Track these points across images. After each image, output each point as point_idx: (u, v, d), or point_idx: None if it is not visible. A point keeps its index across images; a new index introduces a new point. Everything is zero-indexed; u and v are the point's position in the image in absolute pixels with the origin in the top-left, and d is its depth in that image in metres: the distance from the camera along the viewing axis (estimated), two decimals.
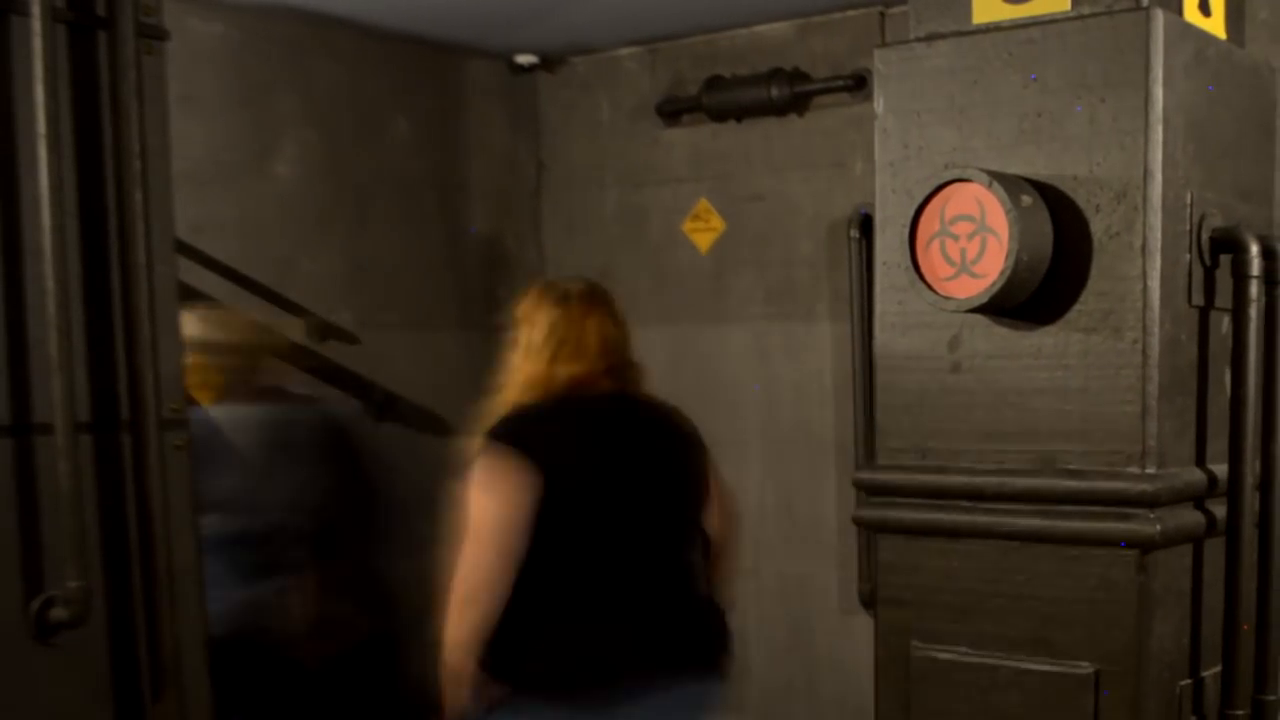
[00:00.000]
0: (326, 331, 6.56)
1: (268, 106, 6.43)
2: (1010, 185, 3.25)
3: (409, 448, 6.90)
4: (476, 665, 4.08)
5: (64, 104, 3.04)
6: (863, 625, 4.57)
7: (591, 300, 4.36)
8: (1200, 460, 3.51)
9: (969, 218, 3.30)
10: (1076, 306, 3.36)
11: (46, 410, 2.96)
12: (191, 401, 4.27)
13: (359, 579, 5.44)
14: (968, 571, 3.56)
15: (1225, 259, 3.44)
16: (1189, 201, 3.37)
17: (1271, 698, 3.57)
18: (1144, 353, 3.29)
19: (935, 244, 3.37)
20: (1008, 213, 3.22)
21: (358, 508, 5.39)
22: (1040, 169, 3.38)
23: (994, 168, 3.35)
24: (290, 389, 5.53)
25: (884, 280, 3.65)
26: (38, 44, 2.93)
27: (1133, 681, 3.34)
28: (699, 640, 4.47)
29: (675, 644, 4.35)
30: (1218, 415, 3.52)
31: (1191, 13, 3.49)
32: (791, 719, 7.01)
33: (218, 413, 4.98)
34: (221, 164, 6.19)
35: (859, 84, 6.49)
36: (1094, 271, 3.33)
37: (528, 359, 4.29)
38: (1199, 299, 3.43)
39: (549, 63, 7.51)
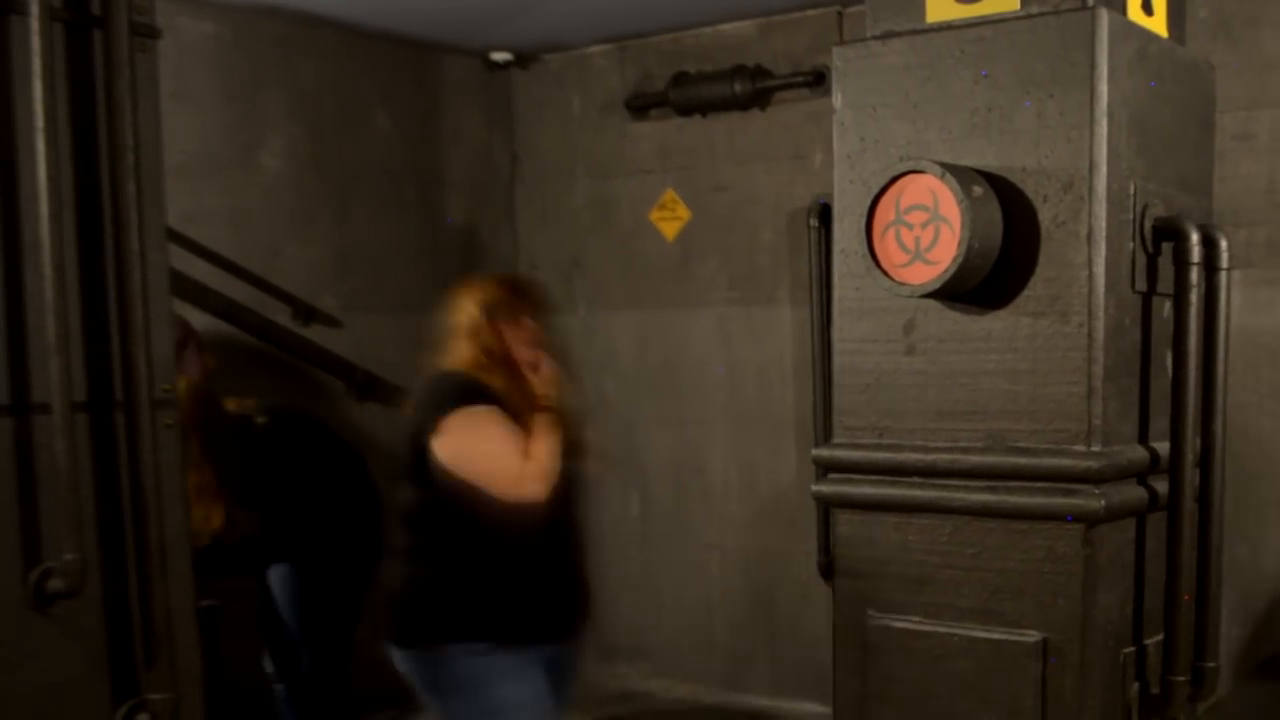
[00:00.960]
0: (311, 316, 6.54)
1: (255, 102, 6.40)
2: (962, 176, 3.26)
3: (388, 424, 6.91)
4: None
5: (61, 100, 3.00)
6: (822, 596, 4.57)
7: None
8: (1143, 438, 3.52)
9: (923, 207, 3.31)
10: (1025, 292, 3.37)
11: (44, 390, 2.94)
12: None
13: None
14: (921, 544, 3.57)
15: (1167, 247, 3.45)
16: (1132, 192, 3.38)
17: (1211, 664, 3.59)
18: (1089, 336, 3.30)
19: (891, 232, 3.37)
20: (960, 202, 3.22)
21: None
22: (991, 161, 3.38)
23: (947, 160, 3.35)
24: None
25: (842, 267, 3.66)
26: (36, 42, 2.90)
27: (1078, 649, 3.36)
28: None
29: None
30: (1160, 396, 3.53)
31: (1135, 12, 3.50)
32: (753, 686, 7.02)
33: None
34: (211, 157, 6.16)
35: (818, 80, 6.49)
36: (1042, 258, 3.34)
37: None
38: (1142, 285, 3.44)
39: (523, 60, 7.48)
